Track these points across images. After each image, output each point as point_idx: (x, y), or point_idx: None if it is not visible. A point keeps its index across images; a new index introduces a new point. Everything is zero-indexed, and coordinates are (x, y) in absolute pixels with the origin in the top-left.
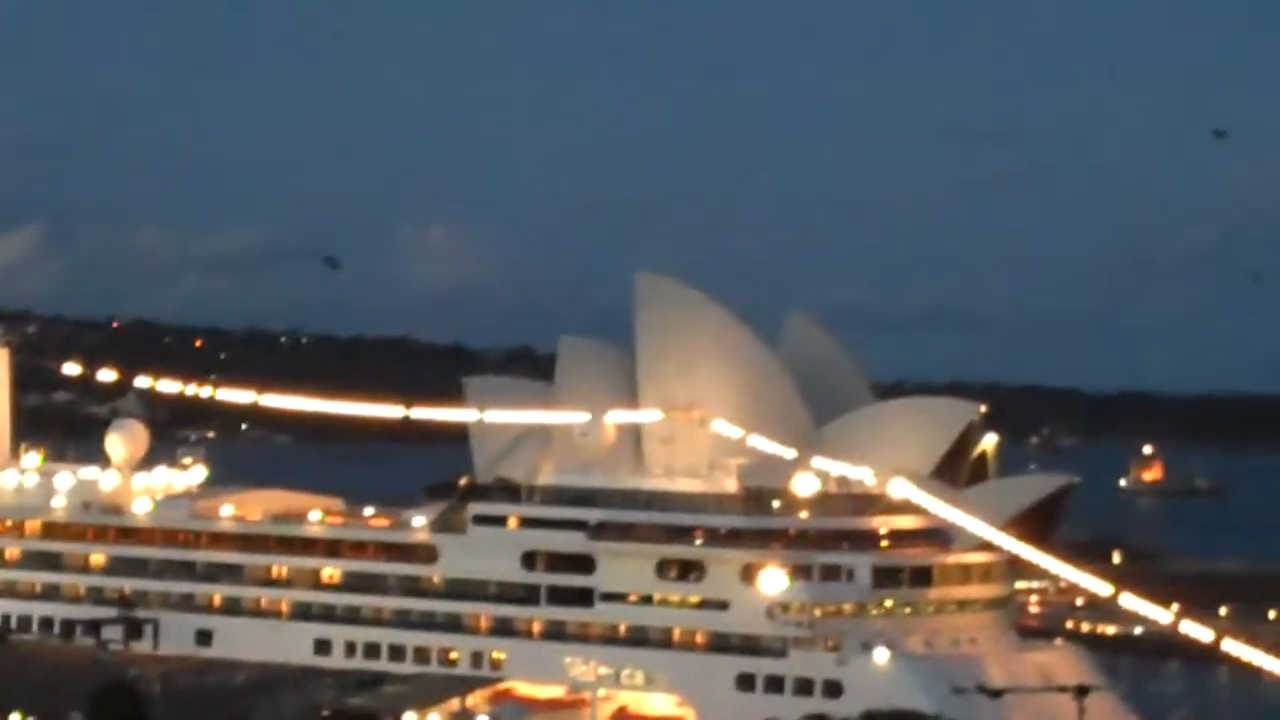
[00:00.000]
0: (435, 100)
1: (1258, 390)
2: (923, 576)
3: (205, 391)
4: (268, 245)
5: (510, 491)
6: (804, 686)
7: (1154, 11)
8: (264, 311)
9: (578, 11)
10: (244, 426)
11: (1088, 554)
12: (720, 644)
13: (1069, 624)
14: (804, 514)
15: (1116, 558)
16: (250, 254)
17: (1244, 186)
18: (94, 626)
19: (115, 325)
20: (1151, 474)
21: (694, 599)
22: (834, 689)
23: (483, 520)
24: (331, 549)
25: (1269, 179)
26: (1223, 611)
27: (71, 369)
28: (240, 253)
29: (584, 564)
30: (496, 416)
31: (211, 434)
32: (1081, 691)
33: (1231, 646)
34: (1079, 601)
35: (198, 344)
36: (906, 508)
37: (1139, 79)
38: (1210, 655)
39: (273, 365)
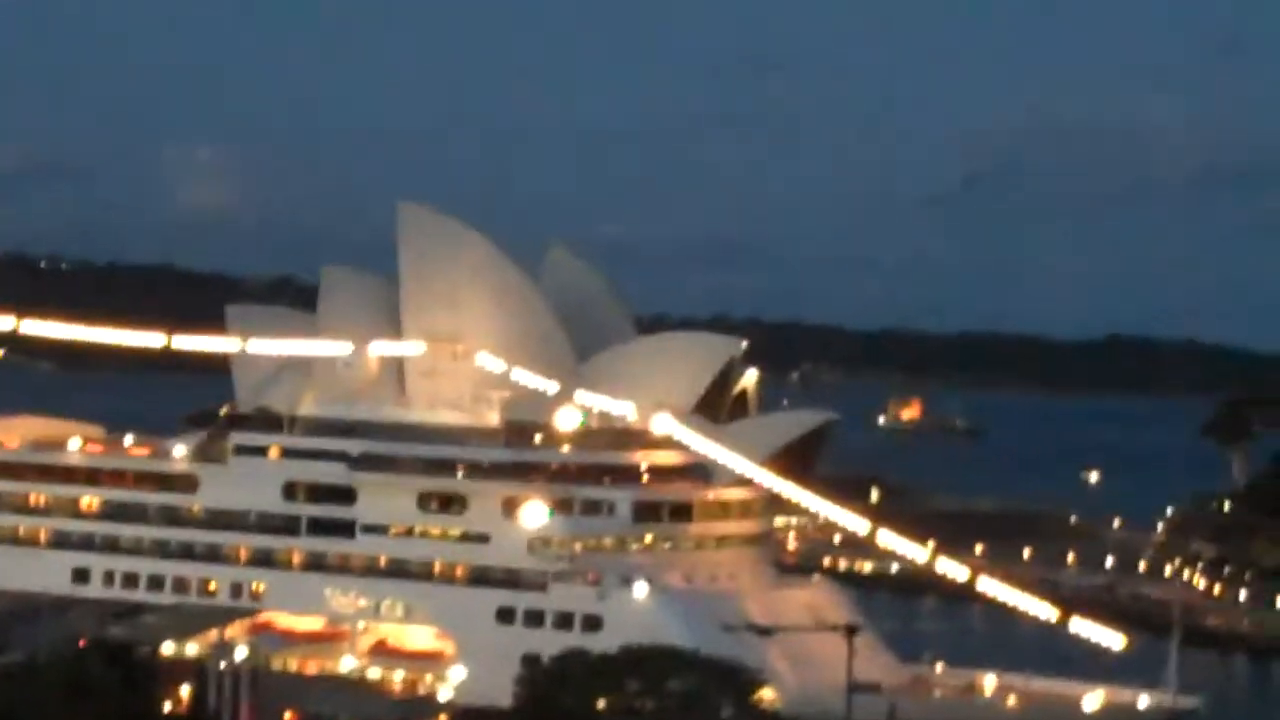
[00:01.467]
0: (207, 21)
1: (1015, 329)
2: (683, 512)
3: None
4: (26, 165)
5: (272, 421)
6: (564, 620)
7: None
8: (23, 235)
9: None
10: (2, 353)
11: (846, 491)
12: (481, 577)
13: (827, 560)
14: (566, 448)
15: (874, 495)
16: (8, 175)
17: (999, 131)
18: None
19: None
20: (909, 412)
21: (455, 532)
22: (594, 623)
23: (244, 450)
24: (91, 477)
25: (1028, 122)
26: (978, 549)
27: None
28: None
29: (345, 495)
30: (259, 346)
31: None
32: (850, 631)
33: (986, 585)
34: (837, 538)
35: None
36: (668, 443)
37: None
38: (965, 592)
39: (34, 290)
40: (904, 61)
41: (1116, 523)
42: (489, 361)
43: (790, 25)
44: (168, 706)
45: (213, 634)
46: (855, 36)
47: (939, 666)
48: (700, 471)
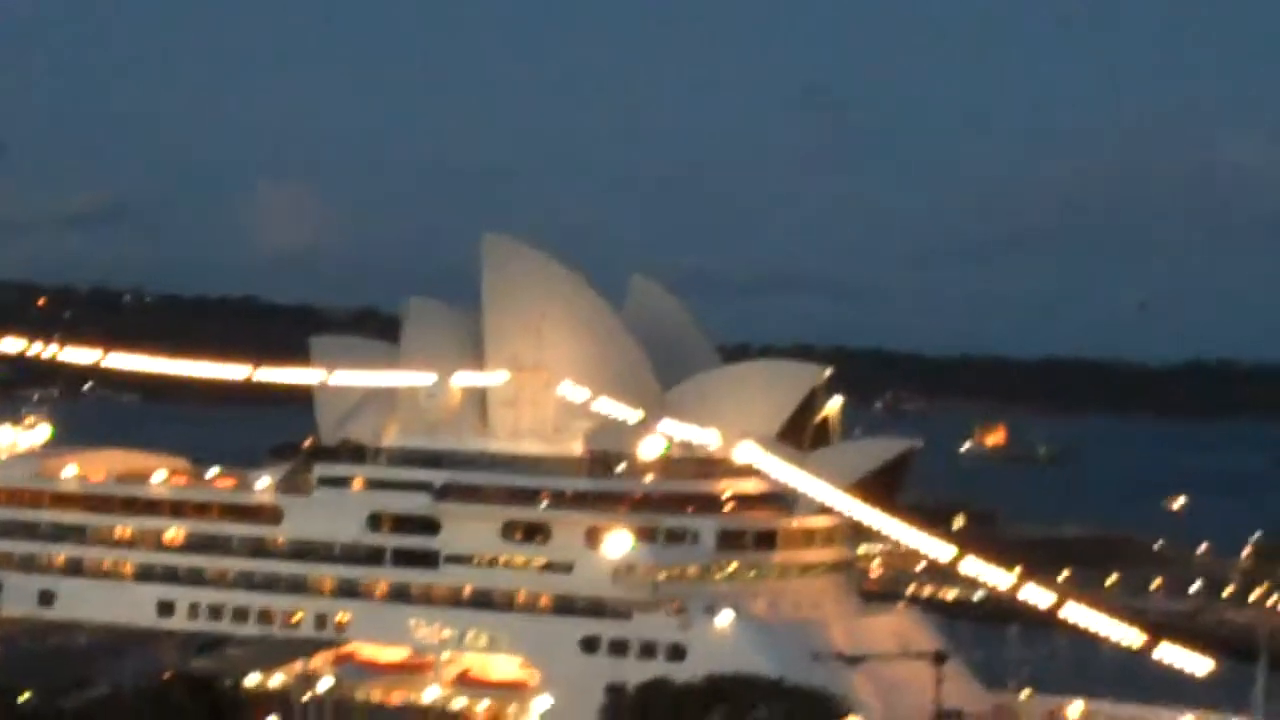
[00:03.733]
0: (287, 62)
1: (1097, 355)
2: (767, 540)
3: (49, 351)
4: (109, 205)
5: (355, 453)
6: (648, 649)
7: None
8: (107, 270)
9: None
10: (89, 385)
11: (930, 518)
12: (565, 607)
13: (910, 588)
14: (649, 477)
15: (958, 522)
16: (94, 211)
17: (1083, 165)
18: None
19: None
20: (994, 439)
21: (539, 561)
22: (678, 652)
23: (327, 481)
24: (175, 509)
25: (1104, 161)
26: (1063, 576)
27: None
28: (84, 210)
29: (429, 526)
30: (342, 377)
31: (56, 393)
32: (939, 658)
33: (1071, 611)
34: (921, 566)
35: (41, 302)
36: (751, 471)
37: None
38: (1050, 620)
39: (118, 324)
40: (986, 95)
41: (1202, 548)
42: (572, 391)
43: (866, 58)
44: None
45: (297, 665)
46: (933, 71)
47: (1024, 694)
48: (783, 500)
